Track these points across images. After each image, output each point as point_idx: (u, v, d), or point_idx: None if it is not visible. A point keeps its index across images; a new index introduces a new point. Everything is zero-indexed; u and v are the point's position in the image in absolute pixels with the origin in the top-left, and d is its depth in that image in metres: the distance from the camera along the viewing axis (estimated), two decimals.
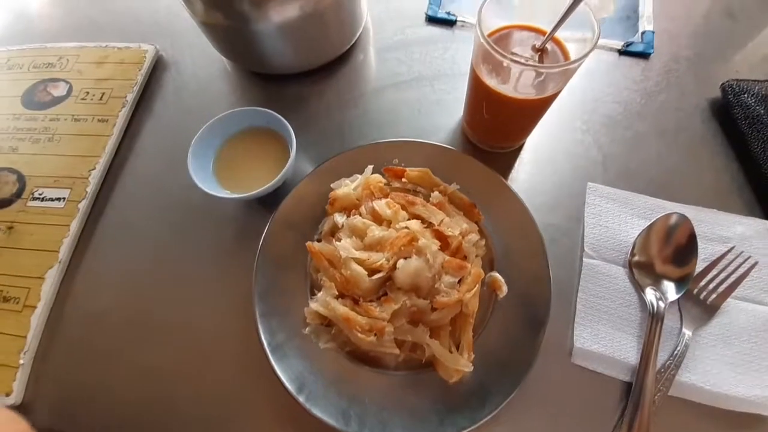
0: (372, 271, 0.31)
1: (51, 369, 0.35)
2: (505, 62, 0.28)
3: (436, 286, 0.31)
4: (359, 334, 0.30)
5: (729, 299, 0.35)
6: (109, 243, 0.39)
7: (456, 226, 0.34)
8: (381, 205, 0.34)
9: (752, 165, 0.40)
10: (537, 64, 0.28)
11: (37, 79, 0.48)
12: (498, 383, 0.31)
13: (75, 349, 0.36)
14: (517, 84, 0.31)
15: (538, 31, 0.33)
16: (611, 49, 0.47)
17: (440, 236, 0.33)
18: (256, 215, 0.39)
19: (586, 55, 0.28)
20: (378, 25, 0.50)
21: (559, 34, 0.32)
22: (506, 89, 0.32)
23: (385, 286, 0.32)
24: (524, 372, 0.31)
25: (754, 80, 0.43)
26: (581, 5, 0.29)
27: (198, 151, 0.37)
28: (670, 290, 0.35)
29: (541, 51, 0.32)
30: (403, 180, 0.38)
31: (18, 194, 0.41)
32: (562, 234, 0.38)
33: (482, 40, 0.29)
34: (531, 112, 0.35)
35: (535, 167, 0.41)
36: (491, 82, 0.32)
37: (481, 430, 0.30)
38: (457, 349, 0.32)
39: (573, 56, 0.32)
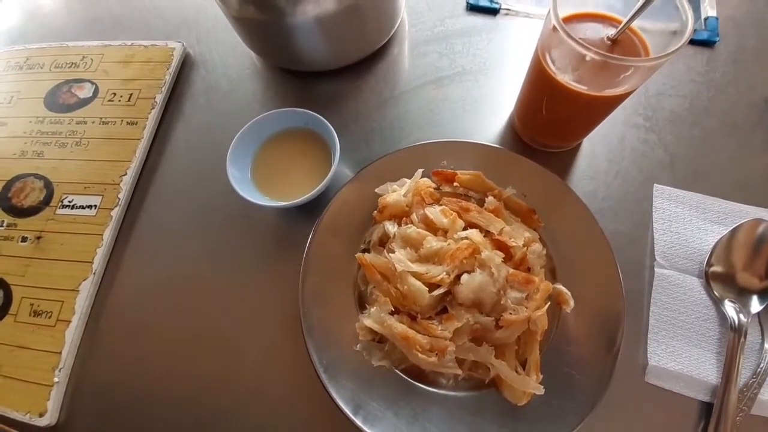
0: (430, 286, 0.29)
1: (88, 387, 0.34)
2: (588, 55, 0.25)
3: (501, 302, 0.29)
4: (419, 355, 0.28)
5: None
6: (144, 252, 0.37)
7: (518, 235, 0.31)
8: (436, 213, 0.31)
9: None
10: (622, 57, 0.25)
11: (60, 79, 0.46)
12: (569, 406, 0.29)
13: (114, 365, 0.34)
14: (592, 79, 0.28)
15: (612, 20, 0.30)
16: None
17: (502, 246, 0.30)
18: (297, 222, 0.37)
19: (678, 49, 0.25)
20: (415, 17, 0.47)
21: (637, 24, 0.28)
22: (578, 84, 0.29)
23: (445, 301, 0.30)
24: (600, 393, 0.28)
25: None
26: None
27: (236, 156, 0.34)
28: (753, 303, 0.32)
29: (615, 41, 0.29)
30: (455, 184, 0.35)
31: (46, 201, 0.40)
32: (628, 242, 0.35)
33: (558, 28, 0.26)
34: (600, 109, 0.32)
35: (594, 169, 0.38)
36: (563, 77, 0.29)
37: None
38: (523, 368, 0.29)
39: (652, 47, 0.29)
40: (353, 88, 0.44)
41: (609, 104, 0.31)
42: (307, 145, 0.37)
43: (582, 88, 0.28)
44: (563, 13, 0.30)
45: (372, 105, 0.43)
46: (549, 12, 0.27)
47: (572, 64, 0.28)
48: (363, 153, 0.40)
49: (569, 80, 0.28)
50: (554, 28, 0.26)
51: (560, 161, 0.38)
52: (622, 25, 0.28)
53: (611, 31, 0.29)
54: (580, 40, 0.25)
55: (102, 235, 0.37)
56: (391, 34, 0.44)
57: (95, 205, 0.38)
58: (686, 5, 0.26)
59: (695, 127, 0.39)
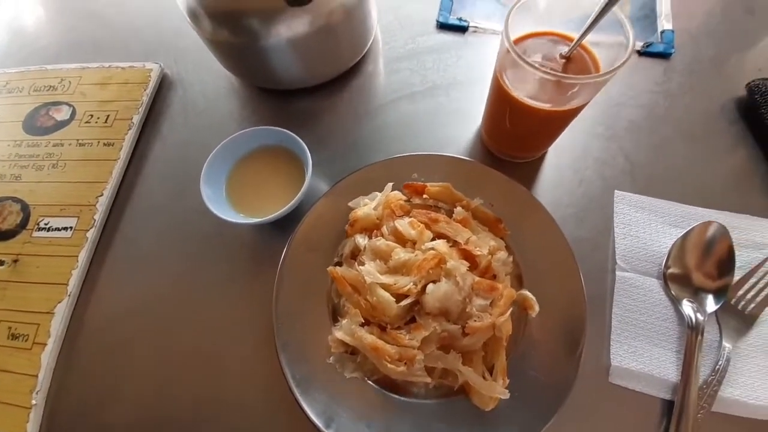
0: (398, 297, 0.30)
1: (66, 408, 0.34)
2: (537, 74, 0.27)
3: (467, 309, 0.30)
4: (389, 365, 0.28)
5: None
6: (120, 273, 0.38)
7: (483, 244, 0.32)
8: (404, 225, 0.32)
9: None
10: (570, 75, 0.27)
11: (39, 102, 0.46)
12: (535, 408, 0.30)
13: (90, 386, 0.34)
14: (545, 94, 0.30)
15: (565, 38, 0.32)
16: None
17: (468, 256, 0.32)
18: (272, 238, 0.37)
19: (621, 65, 0.26)
20: (388, 35, 0.48)
21: (587, 40, 0.30)
22: (533, 100, 0.30)
23: (413, 311, 0.31)
24: (563, 396, 0.29)
25: None
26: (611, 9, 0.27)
27: (210, 175, 0.35)
28: (709, 302, 0.33)
29: (568, 59, 0.31)
30: (424, 196, 0.37)
31: (23, 225, 0.40)
32: (592, 247, 0.36)
33: (510, 50, 0.27)
34: (557, 122, 0.34)
35: (559, 177, 0.40)
36: (517, 92, 0.30)
37: None
38: (490, 373, 0.30)
39: (602, 62, 0.31)
40: (329, 104, 0.45)
41: (565, 117, 0.33)
42: (280, 162, 0.38)
43: (537, 104, 0.30)
44: (521, 32, 0.32)
45: (347, 120, 0.44)
46: (502, 34, 0.28)
47: (526, 82, 0.29)
48: (338, 167, 0.41)
49: (524, 97, 0.30)
50: (507, 50, 0.28)
51: (526, 171, 0.40)
52: (573, 43, 0.30)
53: (565, 49, 0.31)
54: (530, 61, 0.27)
55: (77, 256, 0.37)
56: (364, 52, 0.45)
57: (71, 227, 0.39)
58: (628, 26, 0.28)
59: (653, 135, 0.41)
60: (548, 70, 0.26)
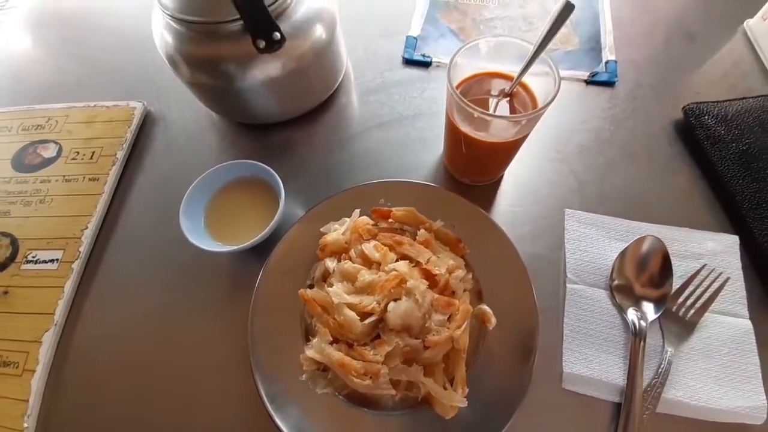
0: (364, 315, 0.32)
1: (55, 430, 0.35)
2: (476, 114, 0.30)
3: (426, 325, 0.32)
4: (355, 379, 0.31)
5: (707, 314, 0.36)
6: (104, 301, 0.40)
7: (443, 263, 0.35)
8: (369, 248, 0.35)
9: (718, 183, 0.42)
10: (504, 115, 0.30)
11: (27, 141, 0.49)
12: (493, 414, 0.32)
13: (77, 410, 0.36)
14: (490, 129, 0.33)
15: (506, 77, 0.35)
16: (578, 80, 0.50)
17: (428, 275, 0.34)
18: (249, 264, 0.40)
19: (548, 104, 0.30)
20: (358, 70, 0.52)
21: (525, 78, 0.34)
22: (480, 134, 0.34)
23: (378, 328, 0.33)
24: (518, 401, 0.32)
25: (713, 101, 0.46)
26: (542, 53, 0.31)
27: (189, 208, 0.38)
28: (650, 310, 0.36)
29: (510, 95, 0.35)
30: (390, 220, 0.40)
31: (12, 258, 0.42)
32: (546, 263, 0.40)
33: (453, 94, 0.31)
34: (506, 151, 0.37)
35: (515, 198, 0.43)
36: (465, 128, 0.34)
37: None
38: (452, 384, 0.33)
39: (539, 93, 0.34)
40: (303, 135, 0.48)
41: (510, 147, 0.36)
42: (256, 193, 0.41)
43: (481, 136, 0.34)
44: (468, 72, 0.36)
45: (320, 150, 0.47)
46: (447, 79, 0.32)
47: (470, 119, 0.33)
48: (312, 195, 0.44)
49: (471, 131, 0.34)
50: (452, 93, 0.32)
51: (485, 193, 0.43)
52: (512, 83, 0.34)
53: (507, 86, 0.35)
54: (469, 102, 0.30)
55: (63, 287, 0.39)
56: (335, 87, 0.49)
57: (57, 259, 0.41)
58: (554, 68, 0.31)
59: (600, 157, 0.45)
60: (483, 112, 0.30)
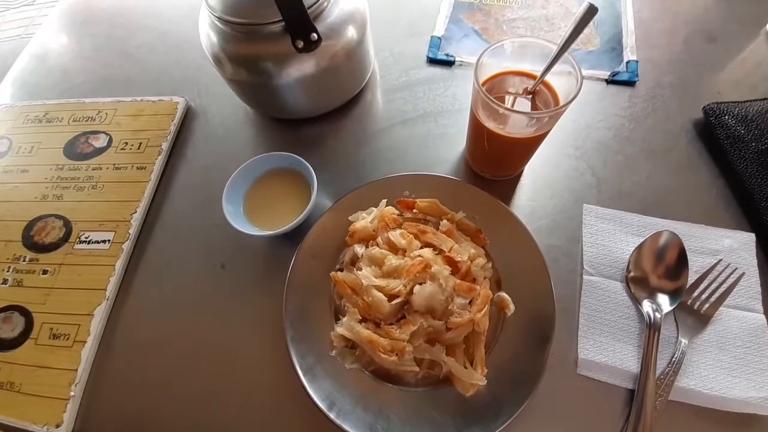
0: (391, 297, 0.35)
1: (99, 400, 0.38)
2: (501, 110, 0.32)
3: (449, 307, 0.34)
4: (382, 355, 0.33)
5: (721, 308, 0.37)
6: (150, 279, 0.43)
7: (464, 251, 0.37)
8: (396, 236, 0.38)
9: (737, 181, 0.43)
10: (528, 111, 0.32)
11: (78, 131, 0.53)
12: (510, 395, 0.34)
13: (122, 380, 0.39)
14: (513, 125, 0.35)
15: (530, 76, 0.37)
16: (599, 79, 0.52)
17: (451, 262, 0.37)
18: (282, 248, 0.43)
19: (570, 102, 0.32)
20: (384, 68, 0.55)
21: (548, 77, 0.36)
22: (503, 130, 0.36)
23: (404, 309, 0.35)
24: (534, 384, 0.34)
25: (734, 102, 0.47)
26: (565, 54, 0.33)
27: (230, 194, 0.41)
28: (665, 302, 0.38)
29: (533, 93, 0.37)
30: (414, 210, 0.42)
31: (65, 238, 0.46)
32: (562, 254, 0.41)
33: (479, 91, 0.33)
34: (527, 146, 0.39)
35: (534, 193, 0.45)
36: (489, 124, 0.36)
37: None
38: (472, 365, 0.35)
39: (560, 92, 0.36)
40: (332, 130, 0.51)
41: (532, 142, 0.38)
42: (290, 182, 0.44)
43: (504, 132, 0.35)
44: (493, 71, 0.38)
45: (348, 144, 0.50)
46: (473, 77, 0.34)
47: (495, 115, 0.35)
48: (340, 186, 0.46)
49: (493, 126, 0.36)
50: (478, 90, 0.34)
51: (505, 187, 0.45)
52: (535, 81, 0.36)
53: (531, 84, 0.37)
54: (495, 99, 0.32)
55: (114, 265, 0.43)
56: (363, 84, 0.52)
57: (109, 240, 0.45)
58: (577, 67, 0.33)
59: (618, 154, 0.46)
60: (510, 108, 0.32)
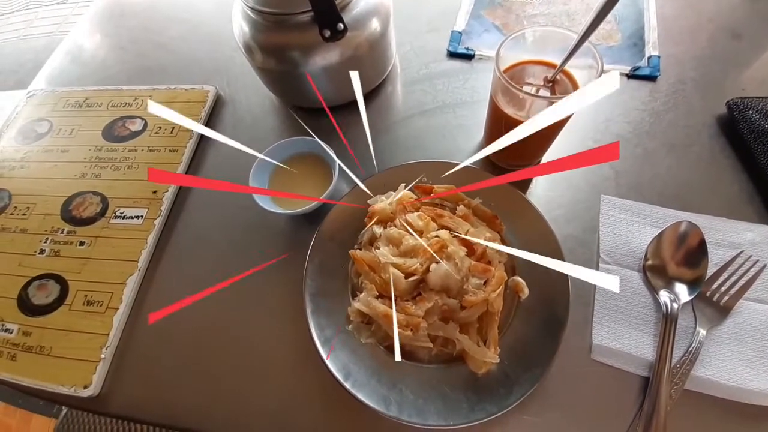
0: (408, 275, 0.36)
1: (127, 364, 0.41)
2: (521, 95, 0.33)
3: (464, 287, 0.35)
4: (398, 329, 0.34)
5: (741, 300, 0.37)
6: (180, 253, 0.46)
7: (480, 235, 0.38)
8: (413, 218, 0.39)
9: (760, 176, 0.43)
10: (547, 95, 0.33)
11: (116, 116, 0.56)
12: (523, 376, 0.34)
13: (149, 345, 0.42)
14: (532, 112, 0.36)
15: (549, 65, 0.38)
16: (620, 73, 0.52)
17: (466, 244, 0.37)
18: (304, 229, 0.45)
19: None
20: (405, 62, 0.56)
21: (568, 66, 0.36)
22: (522, 116, 0.37)
23: (419, 287, 0.36)
24: (546, 366, 0.34)
25: (759, 97, 0.46)
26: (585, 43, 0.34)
27: (256, 175, 0.43)
28: (683, 292, 0.37)
29: (552, 82, 0.37)
30: (432, 195, 0.43)
31: (102, 213, 0.49)
32: (579, 243, 0.42)
33: (500, 77, 0.34)
34: (545, 135, 0.40)
35: (551, 183, 0.45)
36: (509, 110, 0.37)
37: (508, 418, 0.34)
38: (485, 344, 0.36)
39: (581, 83, 0.37)
40: (353, 119, 0.53)
41: (550, 130, 0.39)
42: (313, 166, 0.46)
43: (523, 118, 0.36)
44: (513, 60, 0.39)
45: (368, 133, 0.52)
46: (495, 63, 0.35)
47: (514, 102, 0.36)
48: (359, 172, 0.47)
49: (513, 113, 0.37)
50: (498, 76, 0.35)
51: None
52: (555, 70, 0.37)
53: (550, 73, 0.38)
54: (515, 85, 0.33)
55: (146, 239, 0.46)
56: (385, 76, 0.53)
57: (142, 216, 0.47)
58: (598, 57, 0.34)
59: (638, 148, 0.46)
60: (530, 92, 0.33)
